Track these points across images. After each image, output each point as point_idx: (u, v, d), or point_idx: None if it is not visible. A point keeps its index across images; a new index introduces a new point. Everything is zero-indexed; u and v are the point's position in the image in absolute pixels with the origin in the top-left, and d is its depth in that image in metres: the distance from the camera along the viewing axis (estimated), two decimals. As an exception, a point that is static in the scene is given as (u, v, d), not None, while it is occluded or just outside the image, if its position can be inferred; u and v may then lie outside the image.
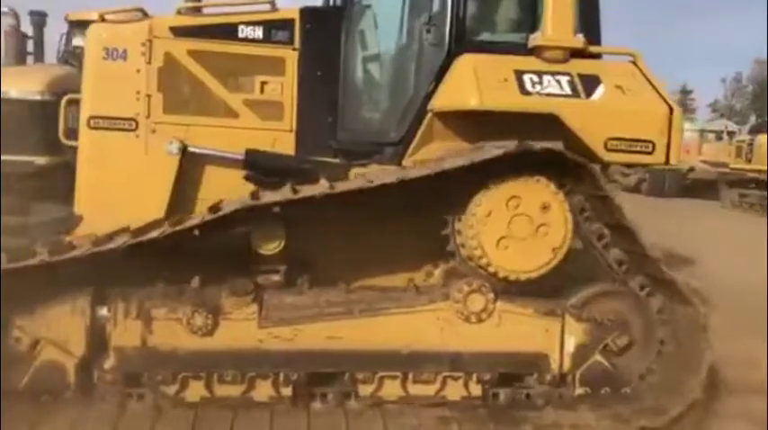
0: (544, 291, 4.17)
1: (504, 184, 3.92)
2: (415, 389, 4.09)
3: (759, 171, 18.14)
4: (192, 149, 4.38)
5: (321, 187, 3.81)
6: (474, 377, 4.10)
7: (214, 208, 3.83)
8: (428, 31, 4.35)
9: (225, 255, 4.07)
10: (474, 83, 4.07)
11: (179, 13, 4.52)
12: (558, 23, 4.27)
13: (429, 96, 4.34)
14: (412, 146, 4.42)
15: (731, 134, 25.65)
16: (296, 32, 4.50)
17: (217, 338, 3.90)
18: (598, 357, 4.16)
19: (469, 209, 3.97)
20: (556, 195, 3.96)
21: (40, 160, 4.90)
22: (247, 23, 4.45)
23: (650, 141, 4.20)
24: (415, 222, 4.21)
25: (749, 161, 19.46)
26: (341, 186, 3.82)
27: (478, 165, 3.81)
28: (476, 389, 4.12)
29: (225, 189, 4.21)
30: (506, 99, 4.06)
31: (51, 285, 3.75)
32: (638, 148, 4.20)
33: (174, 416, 3.85)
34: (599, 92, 4.18)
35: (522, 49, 4.35)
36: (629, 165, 4.65)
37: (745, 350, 5.34)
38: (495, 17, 4.66)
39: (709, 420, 4.22)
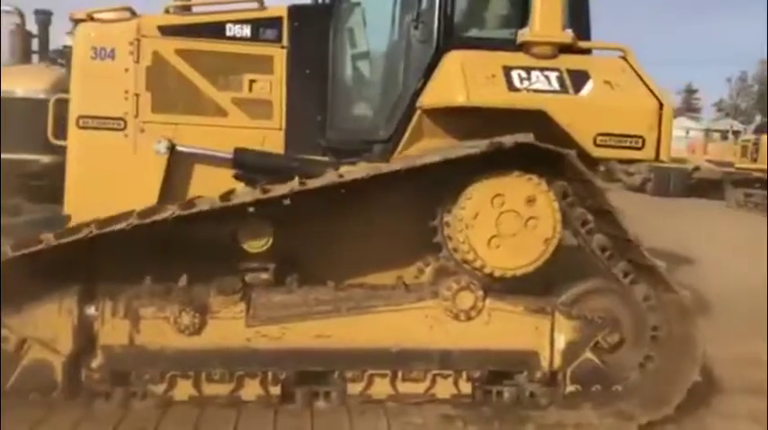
0: (534, 288, 4.14)
1: (486, 183, 3.89)
2: (405, 388, 4.07)
3: (764, 170, 18.06)
4: (180, 148, 4.38)
5: (292, 184, 3.78)
6: (464, 375, 4.07)
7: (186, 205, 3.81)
8: (416, 28, 4.35)
9: (212, 253, 4.05)
10: (462, 79, 4.06)
11: (167, 12, 4.54)
12: (546, 19, 4.24)
13: (418, 93, 4.33)
14: (401, 143, 4.42)
15: (736, 133, 25.61)
16: (284, 30, 4.51)
17: (205, 337, 3.88)
18: (589, 354, 4.12)
19: (455, 213, 3.95)
20: (539, 186, 3.92)
21: (46, 159, 4.90)
22: (235, 22, 4.46)
23: (640, 136, 4.18)
24: (401, 220, 4.19)
25: (754, 161, 19.40)
26: (312, 183, 3.79)
27: (458, 167, 3.79)
28: (465, 387, 4.09)
29: (214, 188, 4.18)
30: (494, 95, 4.05)
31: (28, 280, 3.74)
32: (628, 144, 4.17)
33: (177, 415, 3.84)
34: (588, 87, 4.16)
35: (510, 45, 4.33)
36: (620, 161, 4.62)
37: (749, 350, 5.32)
38: (484, 13, 4.65)
39: (713, 420, 4.20)
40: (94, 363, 3.83)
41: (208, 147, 4.43)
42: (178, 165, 4.44)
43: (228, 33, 4.44)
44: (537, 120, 4.02)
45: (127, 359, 3.85)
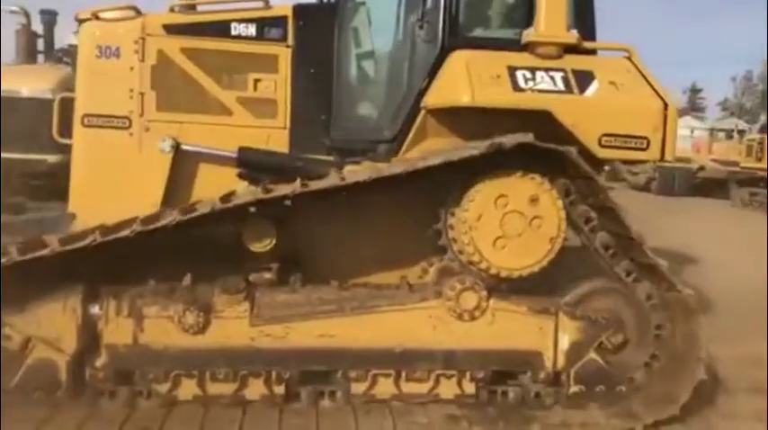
0: (537, 288, 4.14)
1: (488, 184, 3.89)
2: (409, 388, 4.07)
3: (769, 170, 18.04)
4: (184, 147, 4.38)
5: (294, 186, 3.77)
6: (467, 375, 4.07)
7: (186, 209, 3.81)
8: (421, 28, 4.34)
9: (216, 252, 4.05)
10: (466, 79, 4.05)
11: (172, 10, 4.53)
12: (551, 19, 4.23)
13: (422, 93, 4.33)
14: (406, 143, 4.41)
15: (741, 133, 25.54)
16: (289, 29, 4.50)
17: (208, 336, 3.88)
18: (593, 355, 4.11)
19: (459, 215, 3.95)
20: (542, 185, 3.92)
21: (53, 158, 4.91)
22: (240, 21, 4.45)
23: (645, 137, 4.16)
24: (404, 220, 4.19)
25: (759, 160, 19.37)
26: (314, 185, 3.79)
27: (460, 168, 3.79)
28: (469, 388, 4.09)
29: (218, 187, 4.18)
30: (499, 95, 4.04)
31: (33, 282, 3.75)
32: (633, 144, 4.16)
33: (182, 414, 3.84)
34: (593, 88, 4.14)
35: (515, 45, 4.32)
36: (624, 162, 4.61)
37: (753, 349, 5.31)
38: (489, 13, 4.65)
39: (717, 420, 4.19)
40: (99, 362, 3.84)
41: (212, 146, 4.43)
42: (183, 163, 4.44)
43: (233, 32, 4.44)
44: (542, 120, 4.01)
45: (131, 358, 3.85)
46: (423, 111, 4.34)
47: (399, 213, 4.17)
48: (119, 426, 3.66)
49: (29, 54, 6.70)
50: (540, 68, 4.16)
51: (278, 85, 4.51)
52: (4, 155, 4.79)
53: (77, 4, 4.72)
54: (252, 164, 4.41)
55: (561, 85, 4.13)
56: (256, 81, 4.52)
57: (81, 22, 4.53)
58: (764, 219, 14.68)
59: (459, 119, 4.29)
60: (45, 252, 3.57)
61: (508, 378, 4.20)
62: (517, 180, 3.91)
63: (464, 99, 4.04)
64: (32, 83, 5.20)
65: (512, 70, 4.13)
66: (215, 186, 4.23)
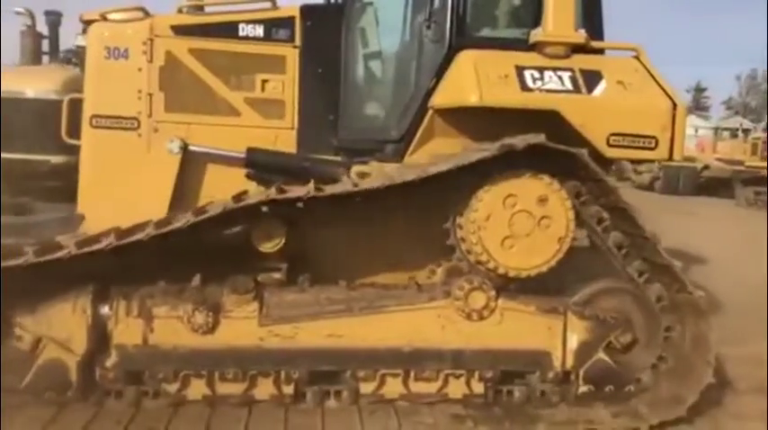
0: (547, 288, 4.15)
1: (497, 185, 3.89)
2: (417, 387, 4.07)
3: (774, 168, 18.01)
4: (192, 148, 4.39)
5: (308, 188, 3.79)
6: (476, 375, 4.07)
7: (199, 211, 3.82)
8: (428, 28, 4.33)
9: (225, 253, 4.06)
10: (474, 79, 4.05)
11: (180, 11, 4.55)
12: (559, 18, 4.23)
13: (430, 93, 4.32)
14: (413, 143, 4.42)
15: (746, 131, 25.50)
16: (296, 30, 4.52)
17: (218, 336, 3.89)
18: (601, 355, 4.11)
19: (468, 215, 3.95)
20: (550, 186, 3.92)
21: (57, 159, 4.93)
22: (248, 22, 4.47)
23: (653, 137, 4.16)
24: (413, 221, 4.20)
25: (764, 159, 19.33)
26: (329, 189, 3.81)
27: (468, 168, 3.78)
28: (478, 387, 4.09)
29: (226, 187, 4.19)
30: (507, 95, 4.04)
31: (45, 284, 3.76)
32: (641, 144, 4.16)
33: (188, 413, 3.85)
34: (601, 87, 4.14)
35: (523, 45, 4.32)
36: (632, 161, 4.61)
37: (759, 349, 5.29)
38: (496, 13, 4.65)
39: (725, 419, 4.19)
40: (109, 363, 3.84)
41: (220, 147, 4.45)
42: (191, 164, 4.46)
43: (241, 33, 4.46)
44: (550, 120, 4.01)
45: (141, 358, 3.86)
46: (430, 112, 4.34)
47: (408, 213, 4.17)
48: (124, 426, 3.68)
49: (34, 55, 6.70)
50: (547, 68, 4.16)
51: (285, 85, 4.53)
52: (9, 155, 4.80)
53: (82, 6, 4.74)
54: (260, 164, 4.42)
55: (569, 85, 4.13)
56: (264, 82, 4.55)
57: (86, 23, 4.54)
58: (768, 219, 14.67)
59: (467, 119, 4.29)
60: (61, 254, 3.57)
61: (515, 377, 4.19)
62: (526, 180, 3.91)
63: (472, 99, 4.04)
64: (37, 84, 5.20)
65: (520, 70, 4.12)
66: (223, 187, 4.26)
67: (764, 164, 19.14)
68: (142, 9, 4.51)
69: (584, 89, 4.13)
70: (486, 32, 4.54)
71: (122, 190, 4.37)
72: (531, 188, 3.91)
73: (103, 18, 4.46)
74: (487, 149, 3.78)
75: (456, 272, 4.21)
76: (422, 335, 4.01)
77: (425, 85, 4.35)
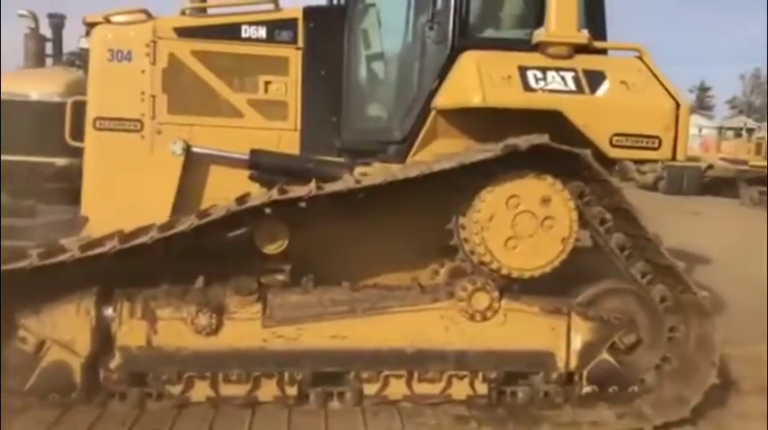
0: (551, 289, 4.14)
1: (500, 185, 3.89)
2: (421, 388, 4.06)
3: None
4: (195, 150, 4.40)
5: (309, 188, 3.78)
6: (480, 376, 4.07)
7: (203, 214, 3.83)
8: (431, 29, 4.34)
9: (229, 254, 4.07)
10: (477, 80, 4.06)
11: (183, 13, 4.55)
12: (562, 19, 4.23)
13: (433, 94, 4.33)
14: (416, 144, 4.42)
15: (750, 131, 25.44)
16: (299, 32, 4.53)
17: (221, 338, 3.89)
18: (605, 355, 4.11)
19: (471, 216, 3.95)
20: (553, 186, 3.92)
21: (61, 161, 4.94)
22: (251, 23, 4.48)
23: (656, 137, 4.16)
24: (416, 221, 4.20)
25: (768, 157, 19.29)
26: (330, 187, 3.81)
27: (471, 169, 3.78)
28: (481, 388, 4.08)
29: (230, 189, 4.20)
30: (509, 96, 4.04)
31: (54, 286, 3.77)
32: (644, 144, 4.16)
33: (192, 415, 3.86)
34: (604, 87, 4.15)
35: (525, 46, 4.32)
36: (635, 161, 4.60)
37: (764, 350, 5.27)
38: (499, 13, 4.64)
39: (729, 419, 4.18)
40: (112, 364, 3.85)
41: (223, 149, 4.46)
42: (194, 166, 4.46)
43: (244, 35, 4.47)
44: (553, 120, 4.01)
45: (144, 360, 3.86)
46: (433, 112, 4.35)
47: (411, 214, 4.17)
48: (128, 428, 3.68)
49: (37, 57, 6.72)
50: (550, 68, 4.17)
51: (288, 87, 4.53)
52: (13, 158, 4.81)
53: (85, 8, 4.76)
54: (263, 166, 4.43)
55: (572, 85, 4.13)
56: (267, 83, 4.55)
57: (89, 25, 4.56)
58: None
59: (470, 119, 4.29)
60: (65, 258, 3.57)
61: (518, 378, 4.18)
62: (529, 180, 3.91)
63: (475, 99, 4.04)
64: (41, 86, 5.21)
65: (522, 70, 4.13)
66: (226, 188, 4.26)
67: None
68: (145, 11, 4.52)
69: (587, 89, 4.13)
70: (488, 33, 4.55)
71: (126, 192, 4.38)
72: (534, 188, 3.91)
73: (107, 20, 4.47)
74: (490, 150, 3.78)
75: (459, 272, 4.22)
76: (425, 336, 4.01)
77: (428, 86, 4.35)
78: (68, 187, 4.73)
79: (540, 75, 4.13)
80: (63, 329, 3.80)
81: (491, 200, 3.90)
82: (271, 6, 4.55)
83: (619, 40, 4.56)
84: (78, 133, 4.52)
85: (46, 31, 7.03)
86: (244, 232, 4.00)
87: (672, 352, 4.21)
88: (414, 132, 4.40)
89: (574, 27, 4.26)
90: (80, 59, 6.00)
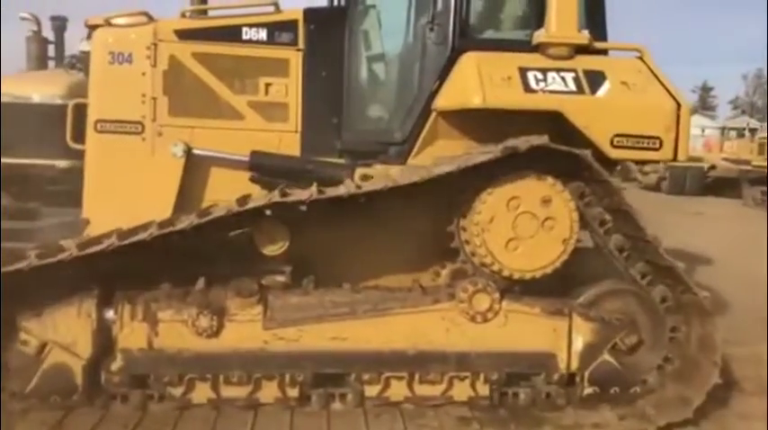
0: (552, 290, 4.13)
1: (500, 187, 3.89)
2: (422, 390, 4.06)
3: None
4: (196, 152, 4.41)
5: (310, 192, 3.78)
6: (481, 377, 4.06)
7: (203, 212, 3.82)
8: (431, 30, 4.35)
9: (229, 256, 4.07)
10: (477, 81, 4.06)
11: (183, 16, 4.55)
12: (562, 19, 4.23)
13: (433, 95, 4.34)
14: (417, 145, 4.43)
15: (753, 131, 25.40)
16: (299, 33, 4.53)
17: (222, 340, 3.89)
18: (607, 356, 4.10)
19: (471, 217, 3.95)
20: (554, 187, 3.92)
21: (62, 164, 4.95)
22: (251, 25, 4.48)
23: (657, 137, 4.16)
24: (416, 223, 4.20)
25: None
26: (332, 191, 3.81)
27: (471, 170, 3.78)
28: (483, 389, 4.07)
29: (231, 191, 4.20)
30: (510, 97, 4.04)
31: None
32: (645, 145, 4.15)
33: (194, 416, 3.86)
34: (604, 88, 4.15)
35: (526, 46, 4.32)
36: (636, 162, 4.60)
37: (765, 350, 5.26)
38: (499, 14, 4.65)
39: (731, 420, 4.18)
40: (114, 367, 3.85)
41: (224, 151, 4.46)
42: (195, 168, 4.46)
43: (245, 37, 4.47)
44: (553, 121, 4.01)
45: (146, 362, 3.86)
46: (433, 114, 4.35)
47: (411, 216, 4.17)
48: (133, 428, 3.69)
49: (39, 60, 6.75)
50: (551, 69, 4.17)
51: (289, 88, 4.53)
52: (15, 160, 4.83)
53: (87, 10, 4.77)
54: (264, 167, 4.43)
55: (573, 86, 4.13)
56: (267, 85, 4.55)
57: (91, 28, 4.56)
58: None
59: (471, 121, 4.29)
60: (63, 256, 3.58)
61: (520, 379, 4.18)
62: (530, 181, 3.91)
63: (475, 101, 4.04)
64: (43, 89, 5.23)
65: (523, 71, 4.13)
66: (227, 190, 4.27)
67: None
68: (146, 14, 4.53)
69: (587, 90, 4.13)
70: (489, 34, 4.57)
71: (127, 194, 4.38)
72: (534, 189, 3.91)
73: (108, 23, 4.48)
74: (491, 151, 3.78)
75: (460, 274, 4.21)
76: (426, 337, 4.00)
77: (429, 88, 4.36)
78: (70, 189, 4.73)
79: (540, 75, 4.13)
80: (64, 332, 3.80)
81: (492, 201, 3.89)
82: (271, 8, 4.54)
83: (619, 41, 4.56)
84: (79, 136, 4.51)
85: (48, 33, 7.06)
86: (245, 234, 4.00)
87: (673, 352, 4.20)
88: (414, 133, 4.41)
89: (574, 28, 4.26)
90: (81, 62, 6.01)
